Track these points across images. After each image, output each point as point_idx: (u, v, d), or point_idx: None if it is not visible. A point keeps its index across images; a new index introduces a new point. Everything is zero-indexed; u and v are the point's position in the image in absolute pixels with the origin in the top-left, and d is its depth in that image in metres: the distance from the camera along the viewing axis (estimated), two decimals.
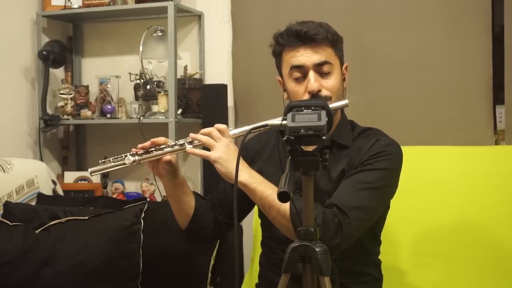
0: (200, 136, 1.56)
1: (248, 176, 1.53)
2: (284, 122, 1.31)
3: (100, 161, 1.62)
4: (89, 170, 1.63)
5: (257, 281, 1.87)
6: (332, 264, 1.31)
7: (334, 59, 1.66)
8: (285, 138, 1.27)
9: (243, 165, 1.55)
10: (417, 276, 2.18)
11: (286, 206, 1.50)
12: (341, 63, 1.70)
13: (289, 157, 1.27)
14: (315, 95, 1.61)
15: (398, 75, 2.60)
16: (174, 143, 1.58)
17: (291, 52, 1.65)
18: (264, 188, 1.53)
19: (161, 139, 1.61)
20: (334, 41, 1.66)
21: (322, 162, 1.29)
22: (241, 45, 2.89)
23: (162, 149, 1.59)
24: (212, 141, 1.55)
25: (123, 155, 1.60)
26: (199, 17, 3.01)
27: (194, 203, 1.72)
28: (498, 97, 2.52)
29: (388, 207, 1.74)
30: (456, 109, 2.52)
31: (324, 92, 1.62)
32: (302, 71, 1.64)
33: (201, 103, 2.82)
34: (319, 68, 1.63)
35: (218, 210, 1.77)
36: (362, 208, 1.54)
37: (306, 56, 1.62)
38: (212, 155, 1.53)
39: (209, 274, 2.33)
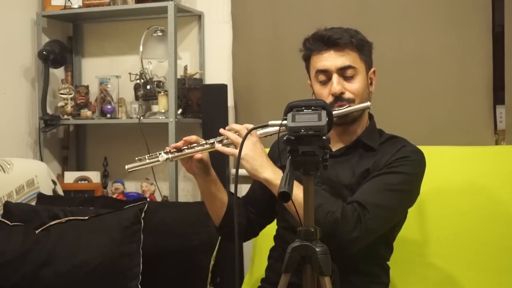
0: (229, 134, 1.61)
1: (272, 173, 1.57)
2: (284, 122, 1.31)
3: (136, 158, 1.69)
4: (126, 166, 1.69)
5: (259, 278, 1.89)
6: (332, 264, 1.31)
7: (359, 64, 1.71)
8: (285, 138, 1.28)
9: (268, 162, 1.59)
10: (417, 276, 2.18)
11: None
12: (368, 68, 1.75)
13: (289, 157, 1.28)
14: (338, 97, 1.67)
15: (398, 75, 2.60)
16: (204, 142, 1.65)
17: (317, 56, 1.72)
18: None
19: (192, 138, 1.67)
20: (359, 46, 1.72)
21: (322, 162, 1.29)
22: (241, 45, 2.89)
23: (193, 147, 1.65)
24: (240, 139, 1.57)
25: (157, 153, 1.66)
26: (199, 17, 3.01)
27: (227, 201, 1.76)
28: (498, 97, 2.52)
29: (405, 217, 1.78)
30: (456, 109, 2.52)
31: (348, 95, 1.69)
32: (326, 74, 1.70)
33: (201, 103, 2.82)
34: (342, 71, 1.69)
35: (250, 208, 1.83)
36: (383, 207, 1.58)
37: (330, 60, 1.69)
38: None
39: (209, 274, 2.33)
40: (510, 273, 2.09)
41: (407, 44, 2.59)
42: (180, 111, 2.84)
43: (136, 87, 2.99)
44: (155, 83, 2.93)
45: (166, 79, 2.95)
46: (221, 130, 1.63)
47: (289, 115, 1.30)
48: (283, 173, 1.58)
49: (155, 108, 2.93)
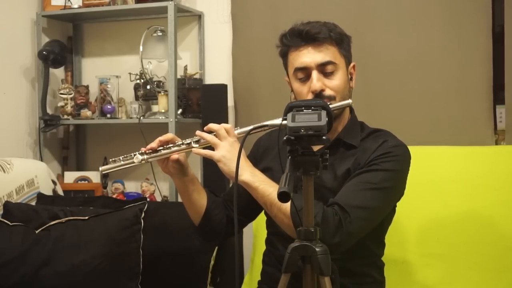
0: (205, 135, 1.57)
1: (251, 175, 1.53)
2: (284, 122, 1.31)
3: (110, 159, 1.64)
4: (100, 168, 1.66)
5: (259, 278, 1.88)
6: (332, 264, 1.31)
7: (339, 59, 1.65)
8: (285, 138, 1.27)
9: (246, 164, 1.55)
10: (417, 276, 2.18)
11: (287, 204, 1.49)
12: (348, 62, 1.69)
13: (289, 157, 1.28)
14: (318, 94, 1.61)
15: (398, 75, 2.60)
16: (181, 142, 1.60)
17: (295, 52, 1.65)
18: (266, 187, 1.53)
19: (168, 136, 1.62)
20: (339, 40, 1.65)
21: (322, 162, 1.29)
22: (241, 45, 2.89)
23: (169, 148, 1.60)
24: (217, 140, 1.55)
25: (132, 154, 1.61)
26: (199, 17, 3.01)
27: (206, 200, 1.72)
28: (498, 97, 2.52)
29: (394, 211, 1.73)
30: (456, 109, 2.52)
31: (328, 92, 1.62)
32: (305, 71, 1.64)
33: (201, 103, 2.82)
34: (322, 68, 1.63)
35: (232, 207, 1.76)
36: (364, 208, 1.53)
37: (309, 57, 1.63)
38: (215, 154, 1.53)
39: (209, 274, 2.33)
40: (510, 273, 2.09)
41: (407, 44, 2.59)
42: (180, 111, 2.84)
43: (136, 87, 2.99)
44: (155, 83, 2.93)
45: (166, 79, 2.95)
46: (198, 132, 1.58)
47: (289, 115, 1.29)
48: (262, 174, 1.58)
49: (155, 108, 2.93)
